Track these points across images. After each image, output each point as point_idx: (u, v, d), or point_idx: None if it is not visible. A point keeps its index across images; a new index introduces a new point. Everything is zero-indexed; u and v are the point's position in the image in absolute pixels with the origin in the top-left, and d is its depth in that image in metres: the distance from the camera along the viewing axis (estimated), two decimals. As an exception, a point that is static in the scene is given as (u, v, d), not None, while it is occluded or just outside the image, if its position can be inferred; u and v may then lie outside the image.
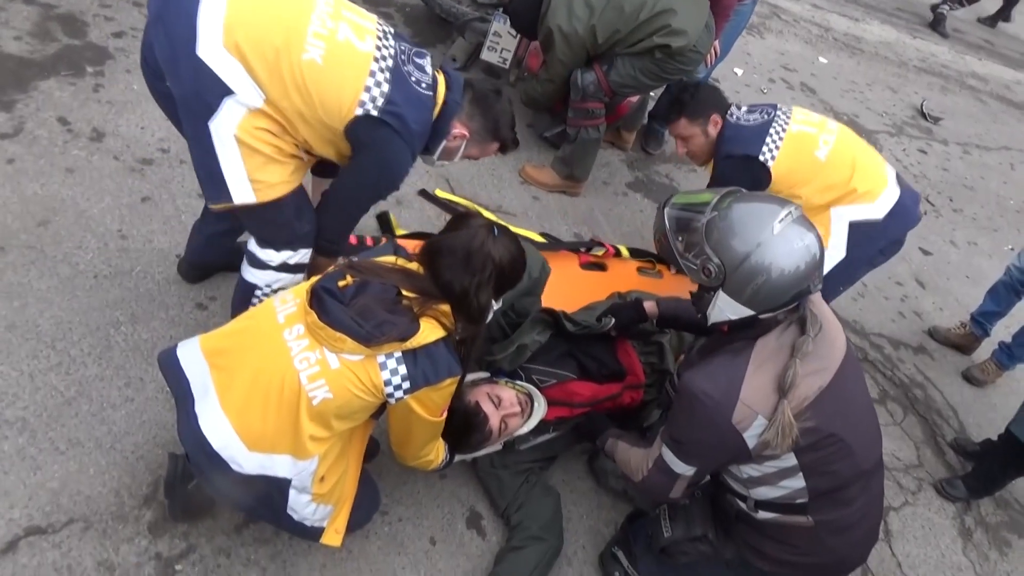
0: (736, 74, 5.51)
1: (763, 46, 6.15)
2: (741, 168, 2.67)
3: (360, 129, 1.90)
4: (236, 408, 1.61)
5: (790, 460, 1.74)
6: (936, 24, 8.13)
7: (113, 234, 2.58)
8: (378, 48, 1.91)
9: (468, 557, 2.23)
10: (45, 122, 2.82)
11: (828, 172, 2.66)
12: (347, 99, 1.85)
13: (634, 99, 3.77)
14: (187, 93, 1.82)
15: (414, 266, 1.78)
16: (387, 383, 1.62)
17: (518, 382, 2.28)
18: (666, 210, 1.79)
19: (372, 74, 1.87)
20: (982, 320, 3.81)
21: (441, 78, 2.06)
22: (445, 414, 1.82)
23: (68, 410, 2.12)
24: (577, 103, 3.41)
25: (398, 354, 1.62)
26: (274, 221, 2.05)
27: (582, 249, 3.25)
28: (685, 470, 1.84)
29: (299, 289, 1.73)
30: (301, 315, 1.64)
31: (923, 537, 2.91)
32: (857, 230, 2.70)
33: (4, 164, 2.62)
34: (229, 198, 1.94)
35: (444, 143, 2.10)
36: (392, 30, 2.03)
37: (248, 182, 1.92)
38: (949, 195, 5.29)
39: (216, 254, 2.51)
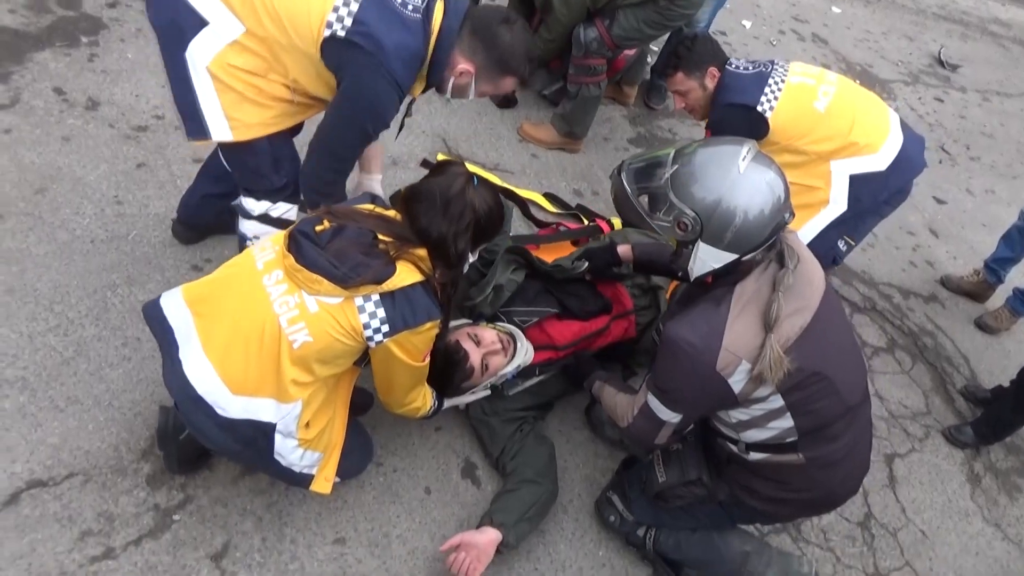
0: (744, 26, 5.39)
1: (773, -3, 6.00)
2: (739, 117, 2.62)
3: (331, 53, 1.82)
4: (218, 353, 1.64)
5: (777, 401, 1.73)
6: None
7: (109, 200, 2.61)
8: None
9: (463, 505, 2.26)
10: (41, 92, 2.85)
11: (827, 124, 2.60)
12: (315, 20, 1.79)
13: (630, 53, 3.71)
14: (164, 22, 1.85)
15: (392, 213, 1.79)
16: (366, 326, 1.64)
17: (499, 324, 2.30)
18: (623, 174, 1.74)
19: None
20: (996, 267, 3.73)
21: (440, 4, 1.91)
22: (428, 360, 1.84)
23: (67, 369, 2.17)
24: (579, 59, 3.36)
25: (376, 297, 1.63)
26: (248, 168, 2.06)
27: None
28: (671, 417, 1.84)
29: (278, 237, 1.74)
30: (279, 260, 1.66)
31: (929, 483, 2.89)
32: (859, 182, 2.65)
33: (1, 134, 2.65)
34: (207, 133, 1.94)
35: (452, 79, 1.98)
36: None
37: (225, 119, 1.92)
38: (966, 143, 5.16)
39: (209, 215, 2.52)
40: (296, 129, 2.15)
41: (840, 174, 2.63)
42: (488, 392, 2.28)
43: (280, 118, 1.99)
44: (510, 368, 2.20)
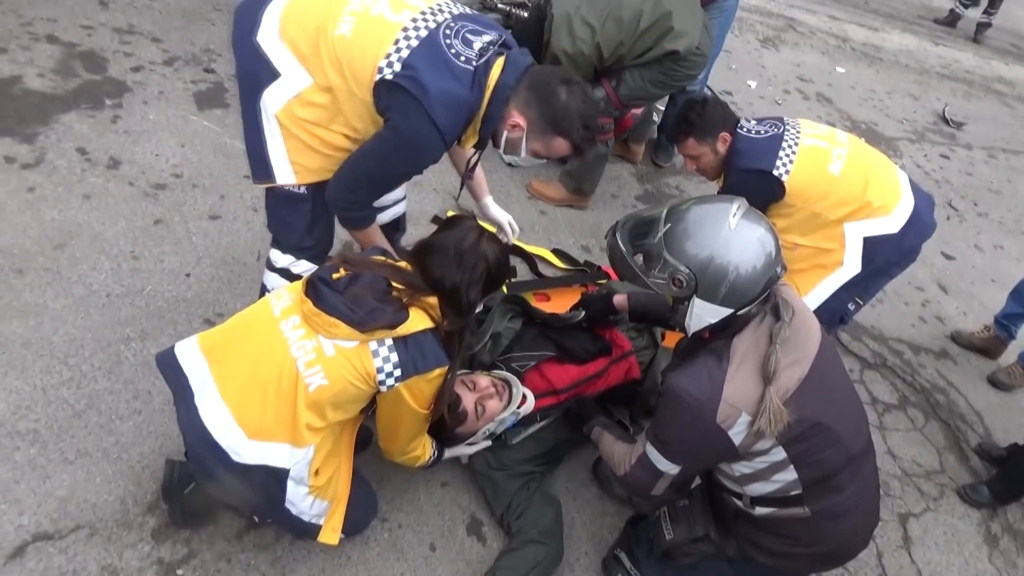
0: (750, 86, 5.51)
1: (778, 58, 6.15)
2: (755, 182, 2.61)
3: (380, 96, 1.89)
4: (236, 398, 1.68)
5: (779, 454, 1.73)
6: (953, 23, 8.08)
7: (126, 255, 2.68)
8: (414, 20, 1.90)
9: (468, 563, 2.23)
10: (65, 152, 2.96)
11: (842, 187, 2.60)
12: (369, 66, 1.86)
13: (638, 111, 3.80)
14: (243, 71, 1.98)
15: (403, 265, 1.86)
16: (379, 370, 1.69)
17: (494, 371, 2.34)
18: (618, 234, 1.78)
19: (396, 42, 1.86)
20: (1006, 322, 3.70)
21: (500, 60, 1.94)
22: (432, 408, 1.87)
23: (78, 422, 2.19)
24: (587, 118, 3.44)
25: (389, 341, 1.69)
26: (285, 221, 2.18)
27: (588, 283, 3.19)
28: (669, 468, 1.84)
29: (294, 285, 1.81)
30: (297, 306, 1.72)
31: (945, 544, 2.83)
32: (872, 244, 2.64)
33: (25, 192, 2.75)
34: (272, 177, 2.05)
35: (505, 133, 2.01)
36: (458, 10, 2.00)
37: (289, 163, 2.04)
38: (973, 199, 5.19)
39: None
40: None
41: (854, 236, 2.63)
42: (489, 443, 2.29)
43: (340, 165, 2.09)
44: (508, 413, 2.21)
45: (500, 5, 4.20)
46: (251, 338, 1.74)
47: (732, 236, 1.66)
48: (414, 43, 1.86)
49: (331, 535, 1.90)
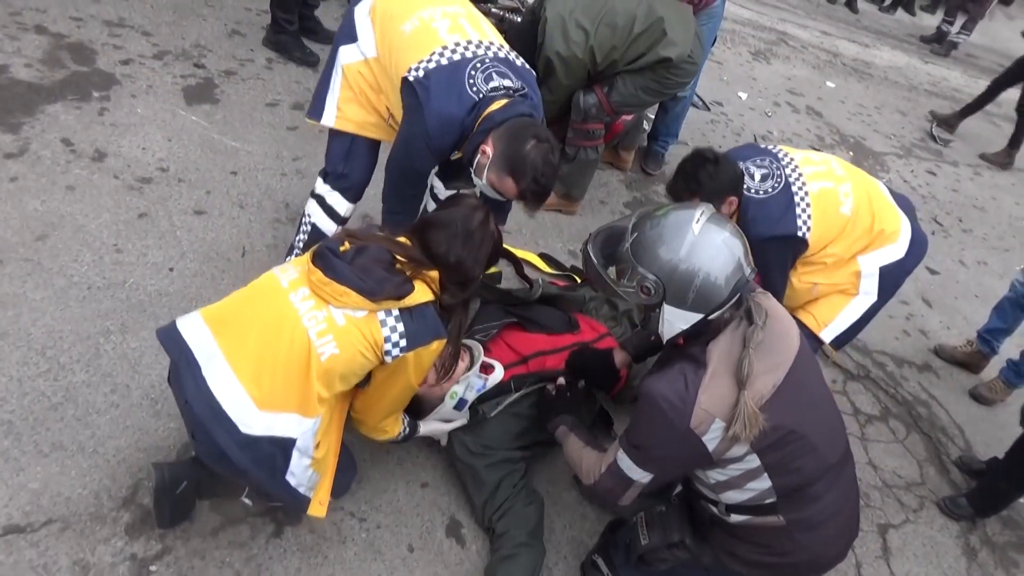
0: (740, 98, 5.55)
1: (769, 71, 6.19)
2: (782, 247, 2.52)
3: (403, 92, 2.21)
4: (247, 369, 1.67)
5: (753, 462, 1.73)
6: (940, 40, 8.19)
7: (109, 248, 2.65)
8: (457, 43, 2.21)
9: (446, 565, 2.21)
10: (49, 143, 2.93)
11: (855, 224, 2.55)
12: (405, 64, 2.18)
13: (629, 118, 3.81)
14: (339, 31, 2.43)
15: (403, 239, 1.90)
16: (387, 340, 1.73)
17: None
18: (589, 247, 1.81)
19: (432, 53, 2.17)
20: (989, 337, 3.74)
21: (503, 101, 2.18)
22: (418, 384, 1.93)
23: (54, 415, 2.16)
24: (578, 124, 3.44)
25: (396, 312, 1.73)
26: (330, 149, 2.52)
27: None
28: (641, 476, 1.84)
29: (299, 260, 1.83)
30: (304, 278, 1.75)
31: (924, 555, 2.83)
32: (886, 273, 2.62)
33: (7, 182, 2.72)
34: (321, 116, 2.43)
35: (477, 157, 2.21)
36: (503, 55, 2.28)
37: (335, 108, 2.41)
38: (958, 215, 5.24)
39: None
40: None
41: (870, 268, 2.60)
42: (466, 419, 2.29)
43: (375, 128, 2.45)
44: (472, 373, 2.22)
45: (494, 10, 4.22)
46: (259, 310, 1.75)
47: (697, 241, 1.67)
48: (444, 61, 2.17)
49: (318, 508, 1.91)
